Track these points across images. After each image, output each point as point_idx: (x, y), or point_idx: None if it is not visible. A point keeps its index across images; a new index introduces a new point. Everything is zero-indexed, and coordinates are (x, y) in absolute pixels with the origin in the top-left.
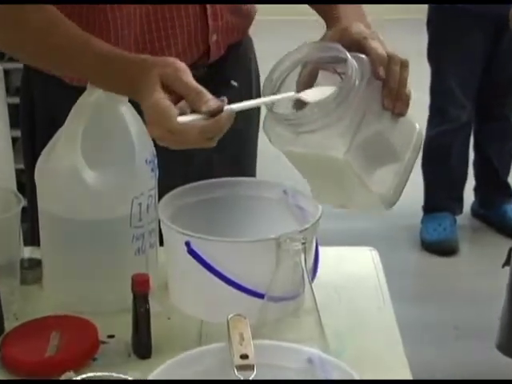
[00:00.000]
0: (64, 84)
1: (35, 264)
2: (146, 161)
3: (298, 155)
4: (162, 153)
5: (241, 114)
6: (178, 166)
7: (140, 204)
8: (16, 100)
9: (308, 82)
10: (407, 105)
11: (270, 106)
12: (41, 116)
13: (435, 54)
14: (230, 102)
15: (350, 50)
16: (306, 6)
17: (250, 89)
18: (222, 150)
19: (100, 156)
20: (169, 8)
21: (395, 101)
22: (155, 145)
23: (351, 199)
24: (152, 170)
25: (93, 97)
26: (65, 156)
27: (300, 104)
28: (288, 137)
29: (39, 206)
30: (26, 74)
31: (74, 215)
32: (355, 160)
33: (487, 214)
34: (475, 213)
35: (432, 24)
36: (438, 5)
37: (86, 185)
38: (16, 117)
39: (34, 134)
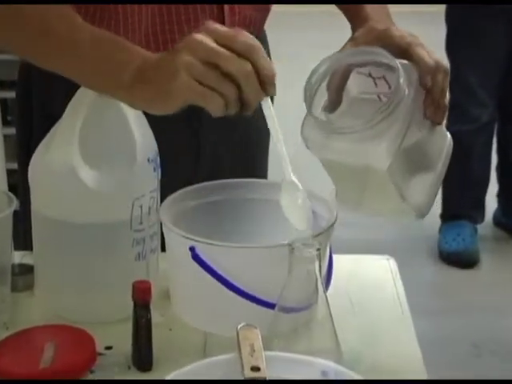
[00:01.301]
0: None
1: (27, 270)
2: (148, 159)
3: (335, 162)
4: (166, 151)
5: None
6: (185, 166)
7: (141, 206)
8: (4, 94)
9: (339, 85)
10: (445, 114)
11: (311, 111)
12: (39, 111)
13: (453, 50)
14: None
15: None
16: None
17: None
18: (233, 148)
19: (99, 154)
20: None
21: (436, 110)
22: (159, 143)
23: (383, 208)
24: (154, 169)
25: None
26: (61, 154)
27: (332, 106)
28: (326, 143)
29: (32, 208)
30: (25, 66)
31: (70, 217)
32: (396, 170)
33: (511, 223)
34: (497, 221)
35: (450, 18)
36: None
37: (83, 185)
38: (4, 112)
39: (30, 131)
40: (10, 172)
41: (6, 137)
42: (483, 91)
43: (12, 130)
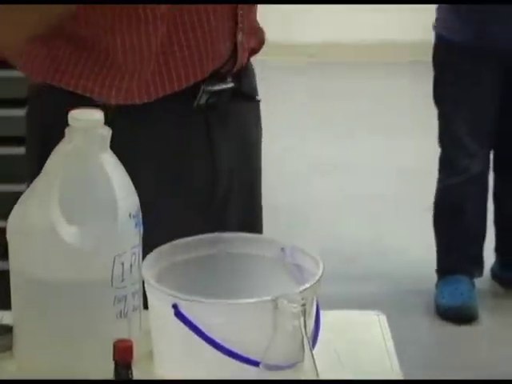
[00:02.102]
0: None
1: (5, 331)
2: (130, 215)
3: None
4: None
5: (246, 163)
6: (188, 220)
7: (122, 263)
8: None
9: None
10: None
11: None
12: None
13: (439, 97)
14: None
15: None
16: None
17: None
18: (232, 203)
19: (79, 210)
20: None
21: None
22: (156, 198)
23: None
24: (136, 225)
25: (71, 144)
26: (40, 210)
27: None
28: None
29: (11, 266)
30: (36, 109)
31: (50, 276)
32: None
33: (510, 277)
34: (496, 275)
35: (435, 64)
36: (441, 43)
37: (63, 242)
38: None
39: None
40: None
41: None
42: (472, 141)
43: None
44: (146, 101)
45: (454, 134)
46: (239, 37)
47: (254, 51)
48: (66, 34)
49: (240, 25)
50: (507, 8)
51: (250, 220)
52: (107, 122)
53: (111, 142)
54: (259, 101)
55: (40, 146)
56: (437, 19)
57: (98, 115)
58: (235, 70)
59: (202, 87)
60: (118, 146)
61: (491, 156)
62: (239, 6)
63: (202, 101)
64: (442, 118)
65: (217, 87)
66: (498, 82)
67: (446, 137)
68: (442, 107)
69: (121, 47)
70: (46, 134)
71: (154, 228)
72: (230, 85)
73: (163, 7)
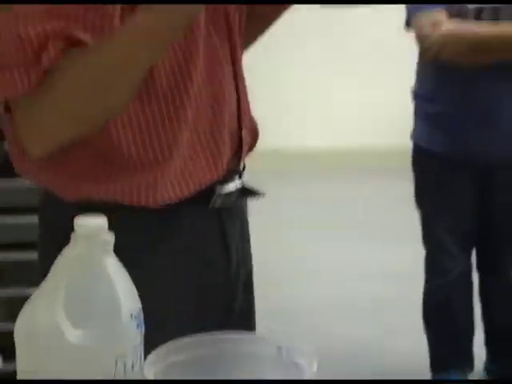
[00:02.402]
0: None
1: None
2: (132, 316)
3: None
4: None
5: (244, 263)
6: (195, 324)
7: (124, 363)
8: None
9: None
10: None
11: None
12: None
13: (420, 203)
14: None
15: None
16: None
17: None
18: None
19: (83, 312)
20: (216, 100)
21: None
22: (161, 302)
23: None
24: (137, 326)
25: (76, 249)
26: (46, 311)
27: None
28: None
29: (18, 368)
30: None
31: (55, 375)
32: None
33: (499, 372)
34: (487, 369)
35: (415, 172)
36: (420, 153)
37: (69, 345)
38: None
39: None
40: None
41: None
42: (454, 245)
43: None
44: (173, 201)
45: (436, 239)
46: (244, 132)
47: (251, 147)
48: (89, 148)
49: (243, 119)
50: (485, 119)
51: (245, 320)
52: (121, 223)
53: (123, 242)
54: (263, 195)
55: (58, 250)
56: (414, 130)
57: (101, 221)
58: (239, 167)
59: (217, 190)
60: (129, 247)
61: (474, 254)
62: (241, 99)
63: (217, 204)
64: (425, 223)
65: (228, 188)
66: (478, 188)
67: (428, 240)
68: (424, 213)
69: (150, 147)
70: (64, 240)
71: (156, 328)
72: (239, 184)
73: (188, 109)
